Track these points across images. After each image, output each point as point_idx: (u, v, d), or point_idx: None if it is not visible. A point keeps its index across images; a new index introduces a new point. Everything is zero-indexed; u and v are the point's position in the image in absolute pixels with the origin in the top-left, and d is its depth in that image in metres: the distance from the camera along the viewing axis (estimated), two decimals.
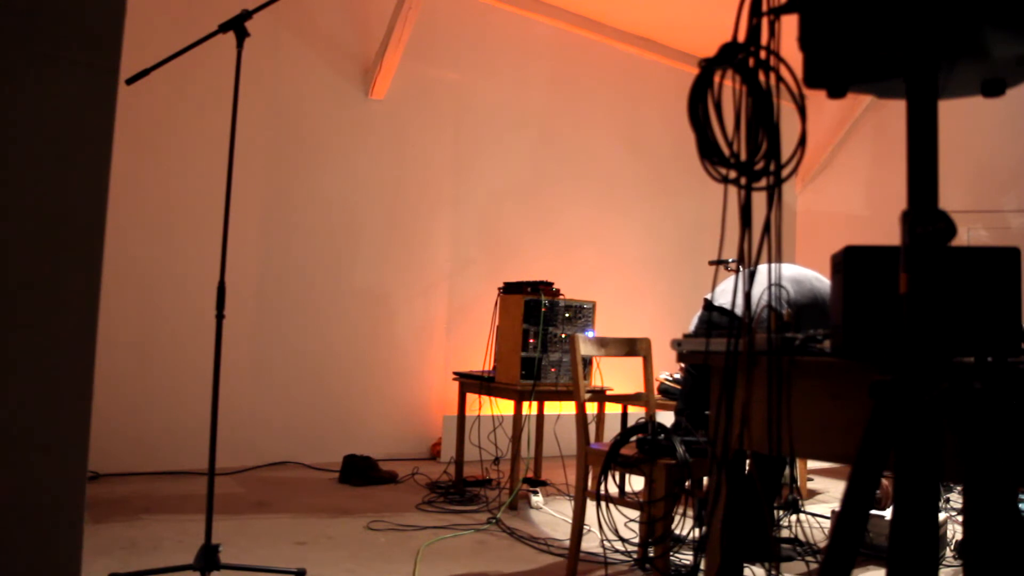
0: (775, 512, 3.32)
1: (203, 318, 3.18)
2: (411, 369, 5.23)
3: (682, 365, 3.58)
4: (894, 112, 6.31)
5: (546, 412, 4.70)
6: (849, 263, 1.37)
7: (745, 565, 2.83)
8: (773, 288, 3.15)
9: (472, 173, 5.57)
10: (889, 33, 0.94)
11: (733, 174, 1.07)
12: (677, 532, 3.07)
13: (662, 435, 2.58)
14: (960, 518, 3.41)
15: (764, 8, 1.04)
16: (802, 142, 1.05)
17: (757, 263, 1.09)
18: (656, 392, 3.81)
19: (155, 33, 3.96)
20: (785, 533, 3.29)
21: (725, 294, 3.35)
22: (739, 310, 3.27)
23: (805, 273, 3.24)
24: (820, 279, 3.26)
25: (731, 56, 1.05)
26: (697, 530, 2.94)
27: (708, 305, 3.32)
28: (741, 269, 1.08)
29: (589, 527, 3.33)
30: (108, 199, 1.57)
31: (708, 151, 1.07)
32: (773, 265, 1.05)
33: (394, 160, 5.23)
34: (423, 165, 5.36)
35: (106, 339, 1.65)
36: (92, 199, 1.54)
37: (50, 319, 1.50)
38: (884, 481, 3.19)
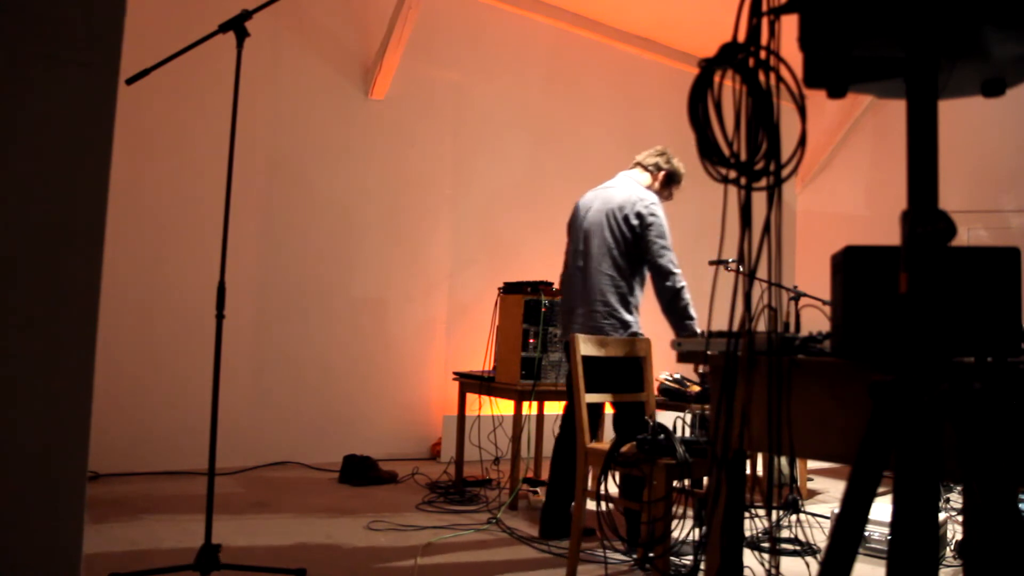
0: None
1: (203, 318, 3.17)
2: (411, 369, 5.23)
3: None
4: (894, 112, 6.30)
5: (546, 412, 4.70)
6: (849, 263, 1.37)
7: (745, 565, 2.83)
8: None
9: (472, 173, 5.57)
10: (889, 33, 0.94)
11: (733, 174, 1.07)
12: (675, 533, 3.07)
13: (662, 435, 2.58)
14: (960, 518, 3.41)
15: (764, 8, 1.03)
16: (802, 142, 1.05)
17: (756, 265, 1.09)
18: (656, 392, 3.81)
19: (155, 33, 3.96)
20: (786, 533, 3.29)
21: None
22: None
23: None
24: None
25: (731, 56, 1.05)
26: (694, 530, 2.94)
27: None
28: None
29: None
30: (108, 199, 1.57)
31: (708, 151, 1.07)
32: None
33: (394, 160, 5.23)
34: (423, 165, 5.36)
35: (106, 339, 1.64)
36: (92, 199, 1.54)
37: (50, 320, 1.50)
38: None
